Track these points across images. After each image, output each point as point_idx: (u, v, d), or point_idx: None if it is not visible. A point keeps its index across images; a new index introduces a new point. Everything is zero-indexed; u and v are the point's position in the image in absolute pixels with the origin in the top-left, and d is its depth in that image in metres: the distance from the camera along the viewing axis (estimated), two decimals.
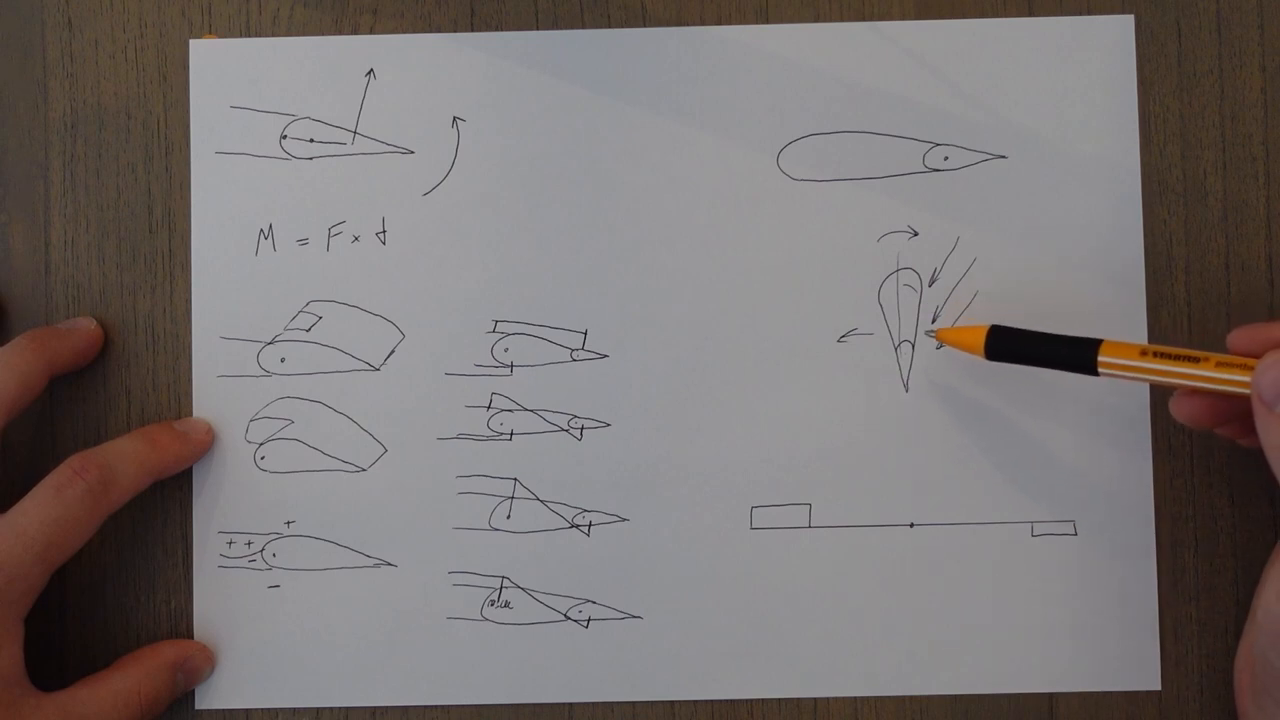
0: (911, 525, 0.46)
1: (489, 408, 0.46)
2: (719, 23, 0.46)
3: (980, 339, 0.43)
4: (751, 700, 0.46)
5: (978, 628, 0.45)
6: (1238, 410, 0.42)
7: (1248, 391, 0.40)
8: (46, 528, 0.42)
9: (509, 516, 0.46)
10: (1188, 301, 0.46)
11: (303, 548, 0.46)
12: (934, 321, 0.46)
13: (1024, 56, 0.46)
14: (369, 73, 0.47)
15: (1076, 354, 0.42)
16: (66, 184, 0.47)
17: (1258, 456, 0.44)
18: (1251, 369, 0.40)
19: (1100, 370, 0.41)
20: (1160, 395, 0.45)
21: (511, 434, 0.46)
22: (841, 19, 0.46)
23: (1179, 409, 0.42)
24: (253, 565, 0.46)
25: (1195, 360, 0.40)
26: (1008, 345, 0.43)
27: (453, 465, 0.46)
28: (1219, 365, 0.40)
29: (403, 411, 0.46)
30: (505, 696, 0.46)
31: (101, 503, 0.43)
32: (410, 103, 0.47)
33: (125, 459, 0.44)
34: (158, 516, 0.46)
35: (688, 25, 0.46)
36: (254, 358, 0.46)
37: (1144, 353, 0.41)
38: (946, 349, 0.46)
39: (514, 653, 0.46)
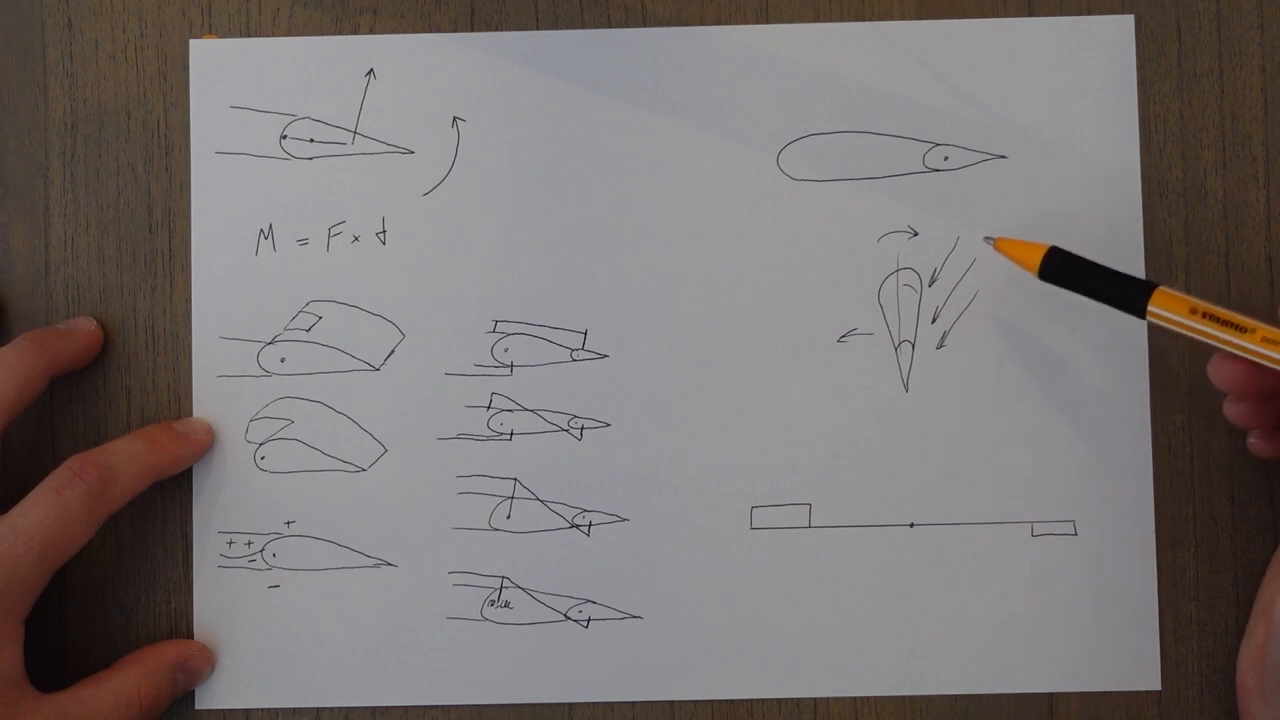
0: (911, 525, 0.46)
1: (489, 408, 0.46)
2: (719, 23, 0.46)
3: (1037, 257, 0.42)
4: (751, 700, 0.46)
5: (978, 628, 0.45)
6: (1273, 387, 0.41)
7: None
8: (46, 528, 0.42)
9: (509, 516, 0.46)
10: None
11: (303, 548, 0.46)
12: (934, 322, 0.46)
13: (1024, 56, 0.46)
14: (369, 73, 0.47)
15: (1128, 295, 0.41)
16: (66, 184, 0.47)
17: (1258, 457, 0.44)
18: None
19: (1149, 317, 0.41)
20: (1161, 394, 0.45)
21: (511, 434, 0.46)
22: (841, 19, 0.46)
23: (1217, 372, 0.41)
24: (253, 565, 0.46)
25: (1243, 330, 0.40)
26: (1063, 268, 0.42)
27: (453, 465, 0.46)
28: (1264, 340, 0.40)
29: (403, 411, 0.46)
30: (505, 696, 0.46)
31: (101, 503, 0.43)
32: (410, 103, 0.46)
33: (125, 460, 0.44)
34: (158, 516, 0.46)
35: (688, 25, 0.46)
36: (254, 358, 0.46)
37: (1194, 310, 0.40)
38: (947, 348, 0.46)
39: (514, 653, 0.46)
